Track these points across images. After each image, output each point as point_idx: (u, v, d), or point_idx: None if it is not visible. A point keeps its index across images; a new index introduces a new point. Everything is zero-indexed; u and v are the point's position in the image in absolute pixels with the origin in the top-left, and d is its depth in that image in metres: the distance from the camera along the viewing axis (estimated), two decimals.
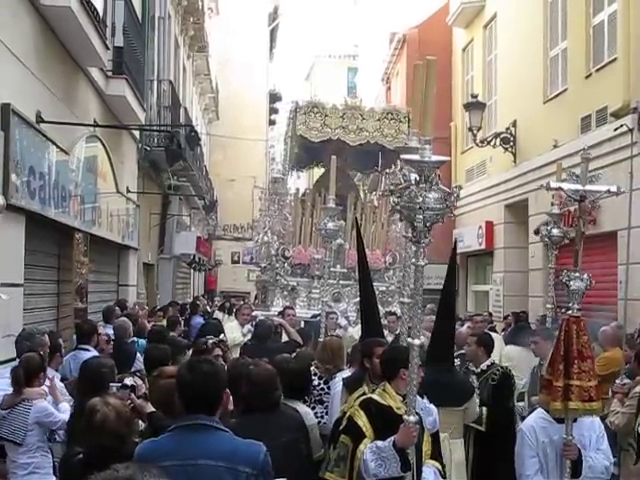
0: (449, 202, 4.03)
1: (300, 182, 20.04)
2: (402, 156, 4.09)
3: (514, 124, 18.16)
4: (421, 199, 3.96)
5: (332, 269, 13.54)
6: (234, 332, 11.42)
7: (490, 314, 17.65)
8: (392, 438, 4.81)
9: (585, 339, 5.21)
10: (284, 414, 5.17)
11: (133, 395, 5.08)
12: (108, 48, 11.93)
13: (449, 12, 23.33)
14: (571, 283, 5.42)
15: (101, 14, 11.19)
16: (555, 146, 15.78)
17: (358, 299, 12.51)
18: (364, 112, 14.42)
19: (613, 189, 6.14)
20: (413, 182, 4.01)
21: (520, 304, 17.33)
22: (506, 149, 18.16)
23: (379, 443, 4.90)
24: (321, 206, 8.83)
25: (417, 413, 4.77)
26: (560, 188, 5.97)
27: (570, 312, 5.28)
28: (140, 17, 15.88)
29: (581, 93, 14.79)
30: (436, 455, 5.47)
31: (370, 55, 36.39)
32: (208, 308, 21.12)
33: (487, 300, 21.11)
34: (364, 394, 5.56)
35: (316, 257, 13.53)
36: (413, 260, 4.27)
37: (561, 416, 5.34)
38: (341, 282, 13.74)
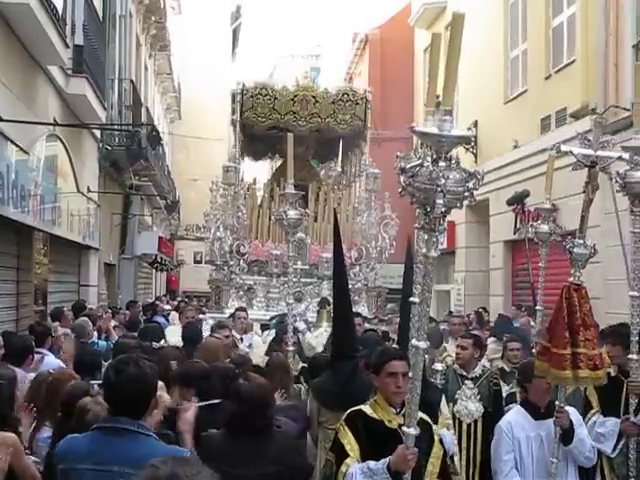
0: (471, 185, 3.48)
1: (262, 175, 19.85)
2: (416, 129, 3.45)
3: (475, 124, 18.31)
4: (443, 180, 3.38)
5: (293, 266, 13.16)
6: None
7: (450, 313, 17.78)
8: (387, 460, 4.19)
9: (587, 307, 5.10)
10: (274, 439, 4.51)
11: None
12: (68, 46, 11.82)
13: (411, 13, 23.47)
14: (575, 250, 5.27)
15: (60, 12, 11.07)
16: (515, 146, 15.96)
17: (320, 299, 12.35)
18: (317, 94, 13.49)
19: (625, 156, 5.83)
20: (430, 160, 3.45)
21: (481, 303, 17.48)
22: (467, 149, 18.31)
23: (371, 464, 4.29)
24: (279, 192, 8.10)
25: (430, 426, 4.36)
26: (571, 152, 5.58)
27: (572, 279, 5.16)
28: (101, 15, 15.75)
29: (541, 94, 14.96)
30: (447, 477, 4.74)
31: (333, 55, 36.46)
32: (168, 306, 20.90)
33: (449, 299, 21.27)
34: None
35: (274, 253, 12.77)
36: (423, 251, 3.68)
37: (566, 384, 5.25)
38: (302, 280, 12.41)
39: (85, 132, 15.49)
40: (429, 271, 3.68)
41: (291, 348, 7.64)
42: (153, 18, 25.83)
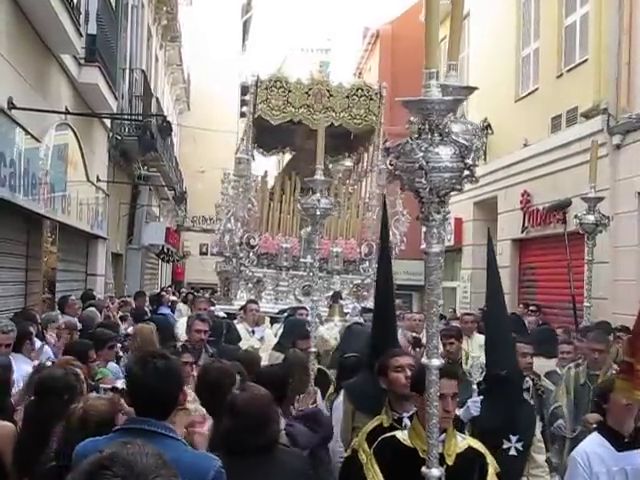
0: (469, 160, 2.88)
1: (269, 168, 19.78)
2: (400, 99, 2.95)
3: (485, 122, 18.28)
4: (421, 154, 2.80)
5: (302, 260, 12.68)
6: (243, 339, 9.34)
7: (454, 310, 17.78)
8: None
9: None
10: (277, 460, 3.87)
11: (122, 400, 4.37)
12: (81, 35, 11.83)
13: (422, 9, 23.41)
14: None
15: (75, 1, 11.10)
16: (525, 145, 15.94)
17: (331, 293, 12.35)
18: (332, 88, 13.45)
19: None
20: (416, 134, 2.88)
21: (480, 302, 17.47)
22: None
23: None
24: (307, 179, 7.41)
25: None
26: None
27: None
28: (114, 5, 15.76)
29: (552, 93, 14.94)
30: None
31: (343, 49, 36.44)
32: (174, 297, 20.96)
33: (455, 296, 21.27)
34: (381, 426, 4.41)
35: (284, 246, 12.90)
36: (423, 246, 3.05)
37: None
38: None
39: (96, 121, 15.52)
40: (431, 270, 2.99)
41: (314, 349, 6.80)
42: (165, 9, 25.86)
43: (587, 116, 13.30)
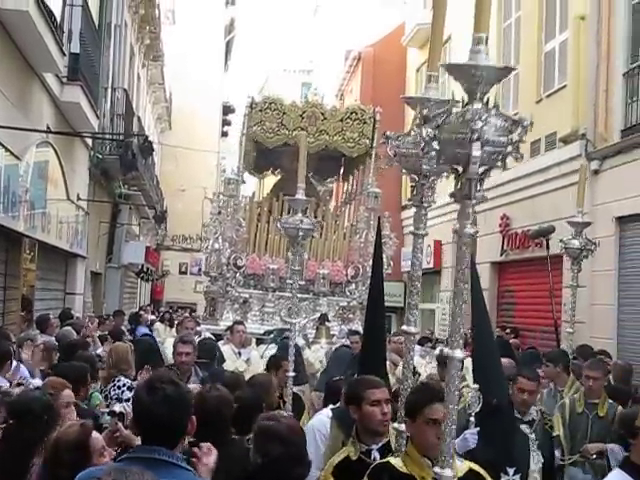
0: (516, 136, 2.68)
1: (251, 189, 19.83)
2: (443, 64, 2.73)
3: None
4: (480, 124, 2.52)
5: (288, 281, 13.12)
6: (229, 360, 9.27)
7: (432, 332, 17.79)
8: None
9: None
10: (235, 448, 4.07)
11: (121, 425, 4.32)
12: (64, 54, 11.83)
13: (404, 32, 23.64)
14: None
15: (59, 20, 11.12)
16: (504, 169, 16.05)
17: (317, 315, 12.35)
18: (325, 111, 13.55)
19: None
20: (460, 102, 2.67)
21: (465, 323, 17.46)
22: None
23: None
24: (288, 198, 7.11)
25: None
26: None
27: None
28: (97, 24, 15.79)
29: (531, 117, 15.08)
30: None
31: (325, 71, 36.62)
32: (152, 316, 20.90)
33: (434, 318, 21.34)
34: (348, 458, 4.27)
35: (271, 267, 12.92)
36: (457, 226, 2.84)
37: None
38: (298, 295, 12.79)
39: (77, 140, 15.49)
40: (462, 255, 2.80)
41: (291, 373, 6.66)
42: (148, 28, 25.92)
43: (566, 141, 13.46)
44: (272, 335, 10.81)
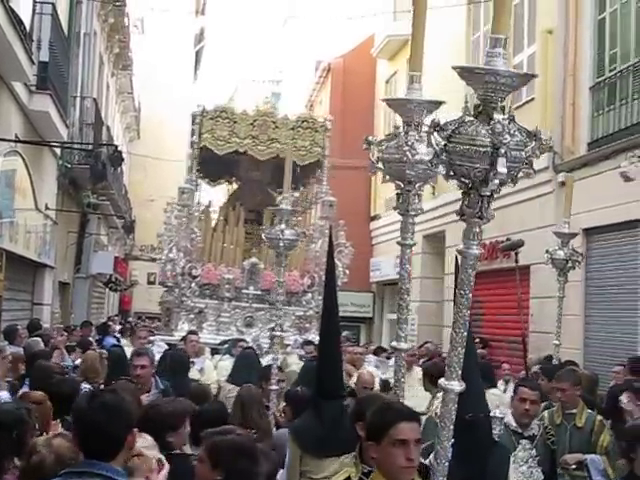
0: (532, 149, 2.48)
1: (218, 199, 19.71)
2: (458, 66, 2.50)
3: None
4: (508, 137, 2.34)
5: (244, 291, 12.88)
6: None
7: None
8: None
9: None
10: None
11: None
12: (34, 63, 11.76)
13: (374, 44, 23.76)
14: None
15: (28, 28, 11.05)
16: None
17: (272, 325, 12.31)
18: (277, 120, 13.56)
19: None
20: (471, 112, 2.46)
21: (434, 334, 17.63)
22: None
23: None
24: (272, 208, 7.31)
25: None
26: None
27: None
28: (66, 32, 15.70)
29: None
30: None
31: (294, 81, 36.69)
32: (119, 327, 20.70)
33: None
34: (349, 479, 3.81)
35: (227, 277, 12.95)
36: (461, 246, 2.71)
37: None
38: (254, 305, 12.95)
39: (46, 149, 15.37)
40: (466, 278, 2.63)
41: (274, 387, 6.75)
42: (117, 37, 25.82)
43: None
44: (226, 345, 10.77)
